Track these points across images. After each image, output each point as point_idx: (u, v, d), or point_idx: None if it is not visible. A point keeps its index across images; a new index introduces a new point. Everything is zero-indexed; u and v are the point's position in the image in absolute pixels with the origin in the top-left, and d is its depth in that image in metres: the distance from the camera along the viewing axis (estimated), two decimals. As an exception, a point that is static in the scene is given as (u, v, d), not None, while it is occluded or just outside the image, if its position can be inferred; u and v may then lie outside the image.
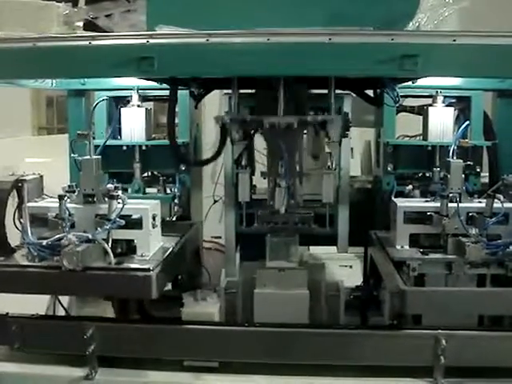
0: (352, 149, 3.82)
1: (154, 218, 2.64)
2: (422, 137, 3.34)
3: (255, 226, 3.29)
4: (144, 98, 3.40)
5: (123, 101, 3.41)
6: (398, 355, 2.52)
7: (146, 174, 3.44)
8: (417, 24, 2.50)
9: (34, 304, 3.31)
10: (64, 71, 2.44)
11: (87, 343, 2.53)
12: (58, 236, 2.50)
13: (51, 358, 2.66)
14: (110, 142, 3.29)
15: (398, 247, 2.80)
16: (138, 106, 3.35)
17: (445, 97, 3.25)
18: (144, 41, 2.28)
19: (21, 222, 2.63)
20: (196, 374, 2.57)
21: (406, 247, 2.79)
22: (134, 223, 2.61)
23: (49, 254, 2.52)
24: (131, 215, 2.60)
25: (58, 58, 2.36)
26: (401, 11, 2.45)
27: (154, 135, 3.47)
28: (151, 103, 3.59)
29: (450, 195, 2.76)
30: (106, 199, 2.58)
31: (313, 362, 2.56)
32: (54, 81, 3.25)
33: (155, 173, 3.43)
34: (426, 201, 2.91)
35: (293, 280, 2.94)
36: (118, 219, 2.51)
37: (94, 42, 2.32)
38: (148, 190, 3.45)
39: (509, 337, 2.52)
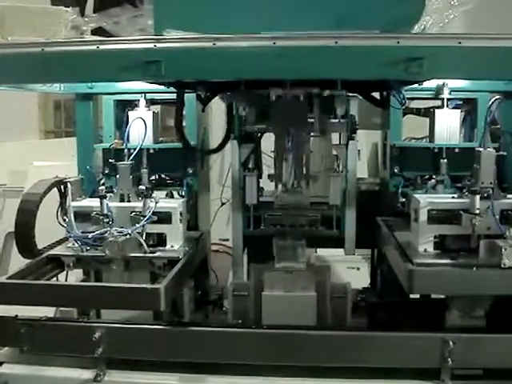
0: (359, 151, 3.83)
1: (181, 215, 2.91)
2: (428, 139, 3.35)
3: (262, 228, 3.31)
4: (151, 102, 3.42)
5: (130, 104, 3.43)
6: (405, 357, 2.51)
7: (153, 177, 3.45)
8: (422, 27, 2.50)
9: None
10: (72, 76, 2.46)
11: (96, 345, 2.54)
12: (102, 230, 2.80)
13: (60, 360, 2.68)
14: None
15: (421, 250, 2.53)
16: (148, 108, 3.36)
17: (451, 99, 3.25)
18: (151, 45, 2.30)
19: (64, 220, 2.91)
20: (204, 376, 2.58)
21: (430, 250, 2.53)
22: (164, 219, 2.87)
23: (91, 245, 2.83)
24: (161, 212, 2.86)
25: (66, 63, 2.37)
26: (406, 14, 2.45)
27: (161, 138, 3.49)
28: (158, 106, 3.61)
29: (482, 190, 2.45)
30: (140, 198, 2.90)
31: (319, 364, 2.56)
32: (62, 85, 3.27)
33: (163, 176, 3.43)
34: (453, 197, 2.62)
35: (300, 282, 2.93)
36: (151, 215, 2.81)
37: (102, 47, 2.34)
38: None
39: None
